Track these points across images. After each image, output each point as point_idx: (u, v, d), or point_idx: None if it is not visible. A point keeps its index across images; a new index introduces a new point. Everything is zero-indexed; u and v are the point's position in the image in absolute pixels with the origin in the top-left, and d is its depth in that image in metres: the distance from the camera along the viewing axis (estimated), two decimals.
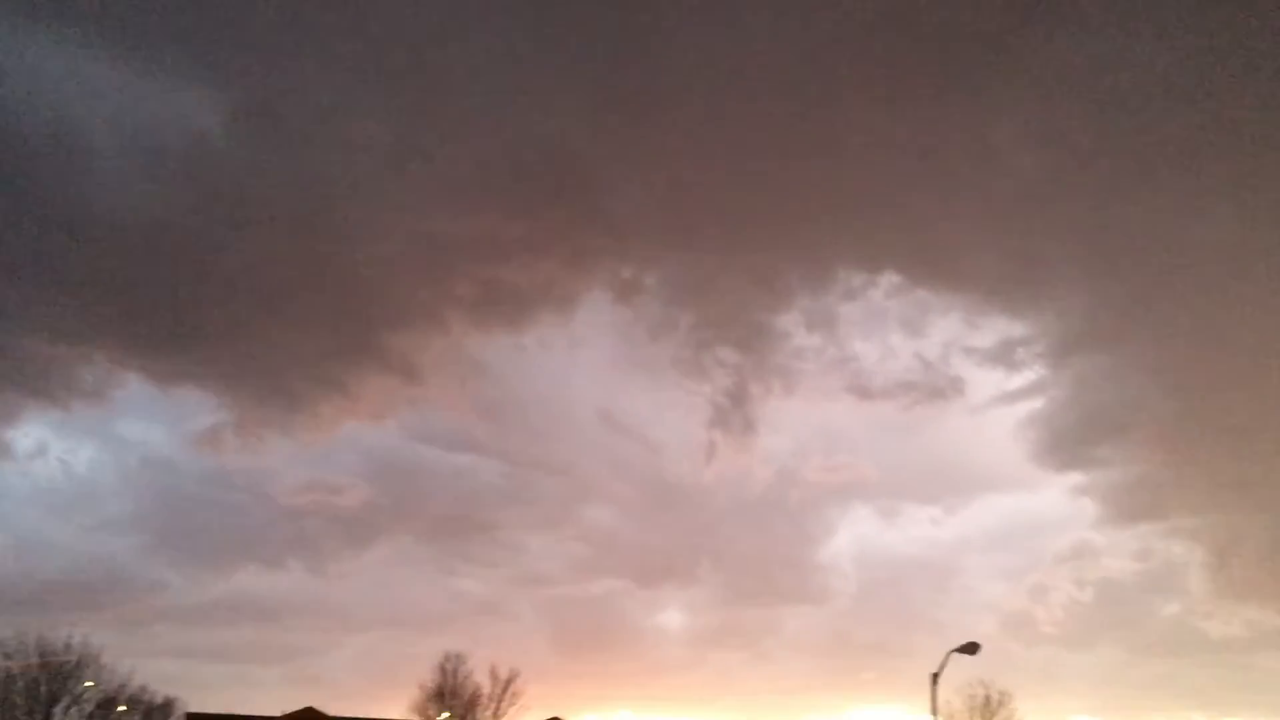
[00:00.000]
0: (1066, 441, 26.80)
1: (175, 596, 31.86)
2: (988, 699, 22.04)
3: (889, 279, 26.22)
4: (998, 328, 26.77)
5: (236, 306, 22.20)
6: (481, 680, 25.15)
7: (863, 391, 30.62)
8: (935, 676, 11.53)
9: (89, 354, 23.44)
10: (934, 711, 11.88)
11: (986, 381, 29.34)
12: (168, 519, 30.96)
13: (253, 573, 32.78)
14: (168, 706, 26.39)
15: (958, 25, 19.52)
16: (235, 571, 32.49)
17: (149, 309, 21.97)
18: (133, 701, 24.52)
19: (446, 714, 24.41)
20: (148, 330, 22.42)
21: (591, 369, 33.35)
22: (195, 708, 27.19)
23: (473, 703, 24.93)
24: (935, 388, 29.52)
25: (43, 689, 21.81)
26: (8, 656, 21.39)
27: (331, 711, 27.98)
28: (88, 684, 22.50)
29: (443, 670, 24.96)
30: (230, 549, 32.06)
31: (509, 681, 25.32)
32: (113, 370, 24.26)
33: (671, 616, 35.97)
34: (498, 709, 25.09)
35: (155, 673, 25.63)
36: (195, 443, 27.74)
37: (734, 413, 29.49)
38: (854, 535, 35.84)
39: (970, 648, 11.59)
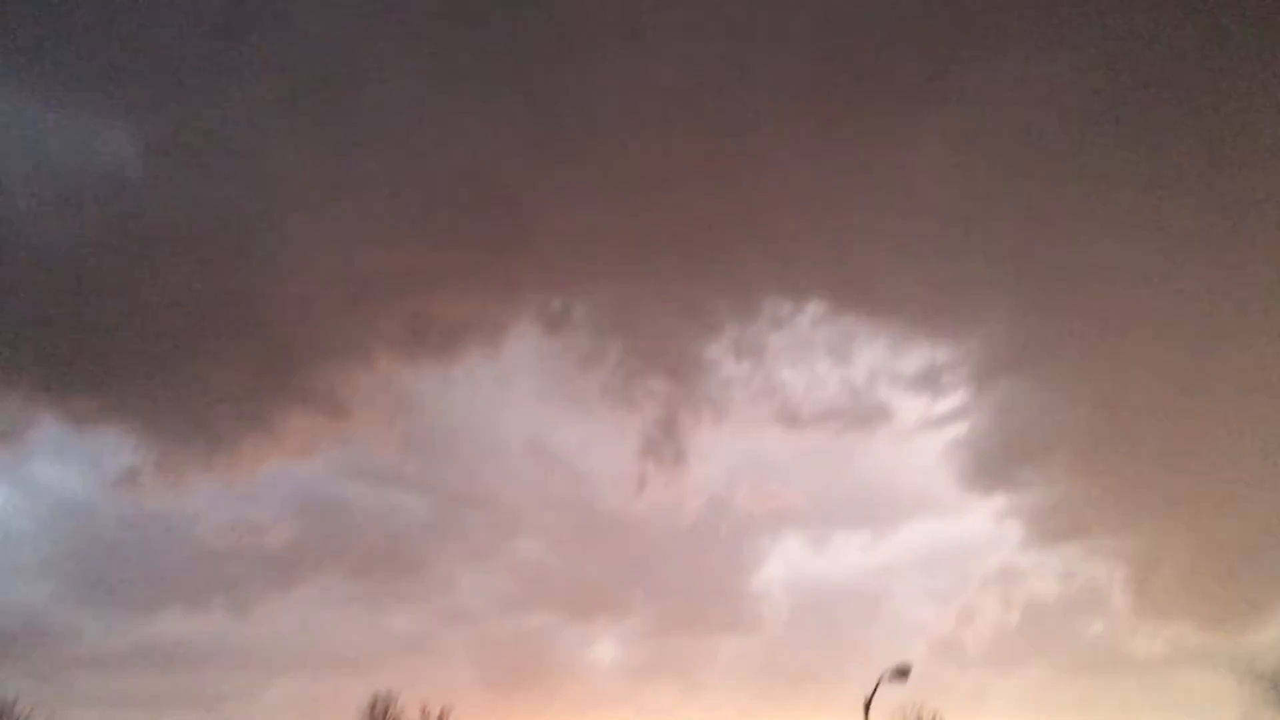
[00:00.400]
0: (991, 464, 27.10)
1: (92, 643, 30.90)
2: None
3: (815, 307, 26.43)
4: (922, 353, 27.09)
5: (156, 343, 21.65)
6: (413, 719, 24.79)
7: (791, 419, 30.77)
8: (868, 702, 11.60)
9: (1, 394, 22.80)
10: None
11: (913, 407, 29.77)
12: (84, 563, 30.09)
13: (174, 616, 31.89)
14: None
15: (879, 56, 19.82)
16: (155, 616, 31.60)
17: (64, 347, 21.37)
18: None
19: None
20: (63, 369, 21.81)
21: (520, 401, 33.17)
22: None
23: None
24: (863, 414, 29.79)
25: None
26: None
27: None
28: None
29: (372, 711, 24.45)
30: (150, 592, 31.19)
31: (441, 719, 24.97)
32: (26, 411, 23.60)
33: (605, 649, 35.66)
34: None
35: None
36: (113, 484, 26.98)
37: (664, 443, 29.45)
38: (785, 563, 35.95)
39: (901, 672, 11.64)
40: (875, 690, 11.45)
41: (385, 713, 25.82)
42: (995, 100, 19.54)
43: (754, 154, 21.73)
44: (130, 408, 23.34)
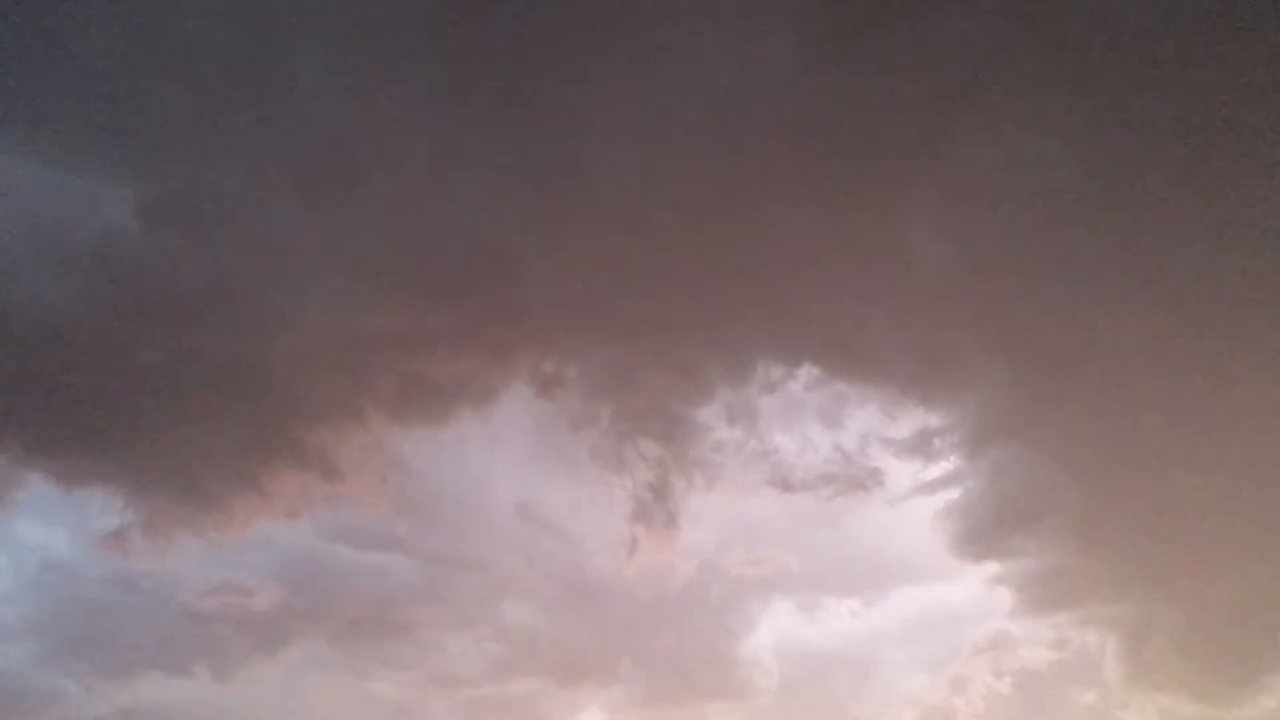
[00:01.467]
0: (983, 531, 26.91)
1: (72, 707, 30.31)
2: None
3: (808, 371, 26.44)
4: (915, 419, 27.06)
5: (148, 403, 21.53)
6: None
7: (784, 484, 30.61)
8: None
9: None
10: None
11: (904, 472, 29.60)
12: (66, 625, 29.61)
13: (156, 681, 31.33)
14: None
15: (871, 125, 20.06)
16: (137, 680, 31.03)
17: (55, 407, 21.27)
18: None
19: None
20: (53, 429, 21.68)
21: (510, 463, 32.94)
22: None
23: None
24: (855, 479, 29.64)
25: None
26: None
27: None
28: None
29: None
30: (133, 656, 30.66)
31: None
32: (13, 470, 23.40)
33: (592, 717, 35.23)
34: None
35: None
36: (100, 545, 26.64)
37: (656, 506, 29.29)
38: (775, 629, 35.55)
39: None
40: None
41: None
42: (987, 168, 19.74)
43: (748, 220, 21.88)
44: (120, 468, 23.19)
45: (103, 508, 25.08)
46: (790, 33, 19.51)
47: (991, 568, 28.81)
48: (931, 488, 28.47)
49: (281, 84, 20.85)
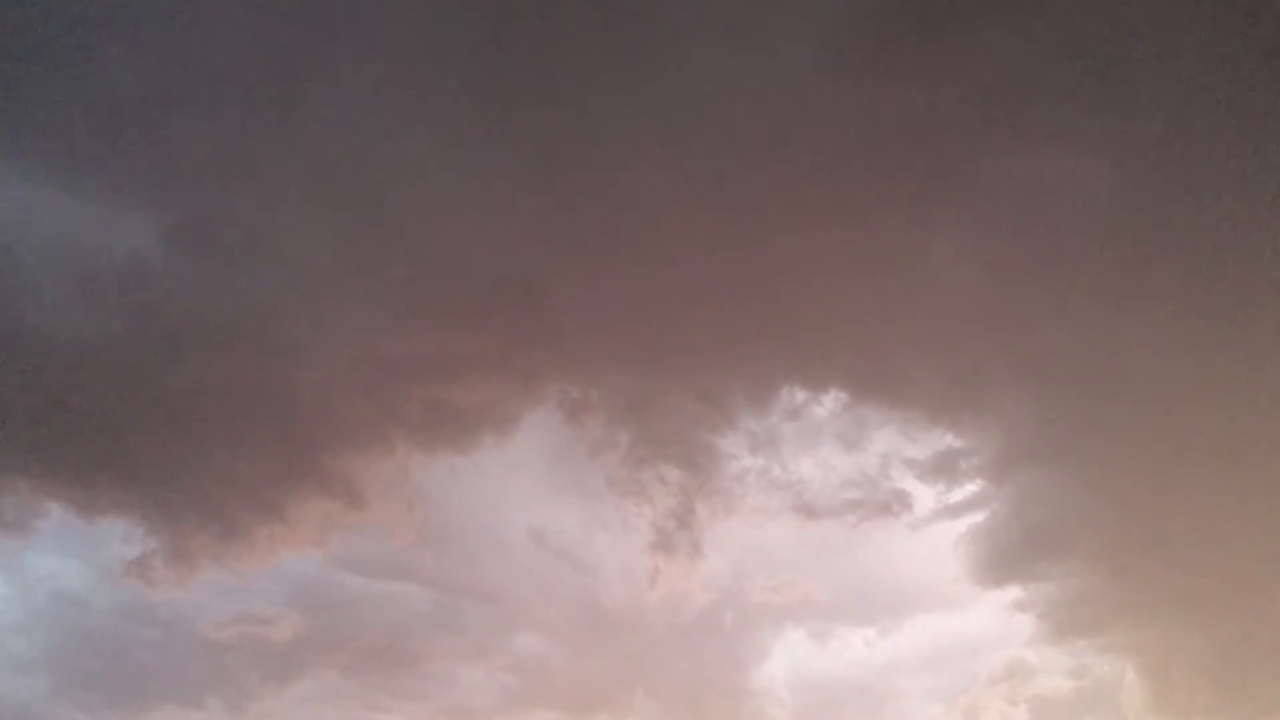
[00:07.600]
0: (1007, 556, 26.60)
1: None
2: None
3: (835, 396, 26.31)
4: (938, 440, 26.79)
5: (171, 431, 21.36)
6: None
7: (807, 510, 30.35)
8: None
9: (12, 482, 22.35)
10: None
11: (928, 495, 29.28)
12: (81, 657, 29.27)
13: (168, 714, 30.98)
14: None
15: (897, 147, 20.05)
16: (150, 712, 30.60)
17: (78, 434, 21.08)
18: None
19: None
20: (75, 457, 21.48)
21: (527, 492, 32.71)
22: None
23: None
24: (881, 503, 29.32)
25: None
26: None
27: None
28: None
29: None
30: (145, 688, 30.37)
31: None
32: (34, 499, 23.16)
33: None
34: None
35: None
36: (121, 575, 26.30)
37: (679, 535, 29.01)
38: (789, 659, 35.19)
39: None
40: None
41: None
42: (1014, 190, 19.75)
43: (773, 245, 21.88)
44: (142, 497, 22.96)
45: (124, 537, 24.85)
46: (817, 57, 19.55)
47: (1011, 593, 28.37)
48: (955, 511, 28.16)
49: (305, 110, 20.83)
